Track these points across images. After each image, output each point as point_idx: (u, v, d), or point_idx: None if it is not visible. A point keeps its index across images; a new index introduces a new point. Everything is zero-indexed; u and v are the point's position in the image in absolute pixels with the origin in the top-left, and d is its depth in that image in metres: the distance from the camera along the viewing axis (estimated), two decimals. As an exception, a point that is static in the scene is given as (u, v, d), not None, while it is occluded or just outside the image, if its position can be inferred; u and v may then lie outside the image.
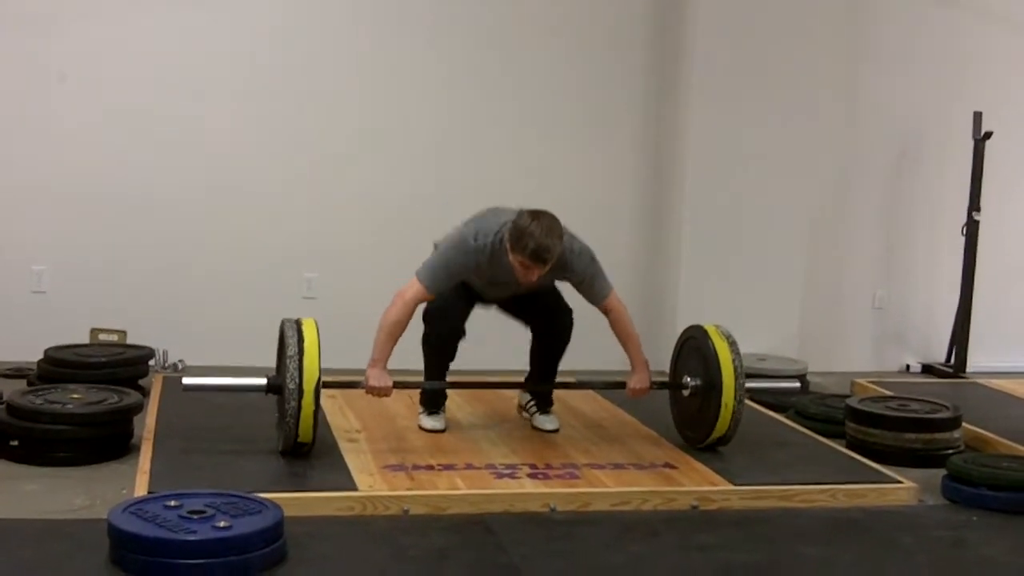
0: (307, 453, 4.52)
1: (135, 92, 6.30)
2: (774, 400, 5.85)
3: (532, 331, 5.17)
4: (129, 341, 6.07)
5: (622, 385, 4.97)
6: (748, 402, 5.78)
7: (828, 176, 7.06)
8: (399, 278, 4.85)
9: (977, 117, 6.87)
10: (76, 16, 6.21)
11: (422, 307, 4.87)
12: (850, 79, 7.05)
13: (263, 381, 4.59)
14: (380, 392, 4.69)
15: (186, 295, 6.41)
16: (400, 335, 4.73)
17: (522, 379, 5.28)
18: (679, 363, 5.09)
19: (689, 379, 4.94)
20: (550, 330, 5.11)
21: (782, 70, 6.75)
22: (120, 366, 5.60)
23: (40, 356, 5.65)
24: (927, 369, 7.22)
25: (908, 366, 7.30)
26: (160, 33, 6.31)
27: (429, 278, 4.73)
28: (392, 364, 4.71)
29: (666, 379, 5.13)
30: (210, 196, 6.42)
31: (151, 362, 5.88)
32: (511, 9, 6.71)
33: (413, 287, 4.72)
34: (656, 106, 6.87)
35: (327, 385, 4.57)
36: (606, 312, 4.93)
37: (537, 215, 4.62)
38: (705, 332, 4.91)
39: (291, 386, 4.38)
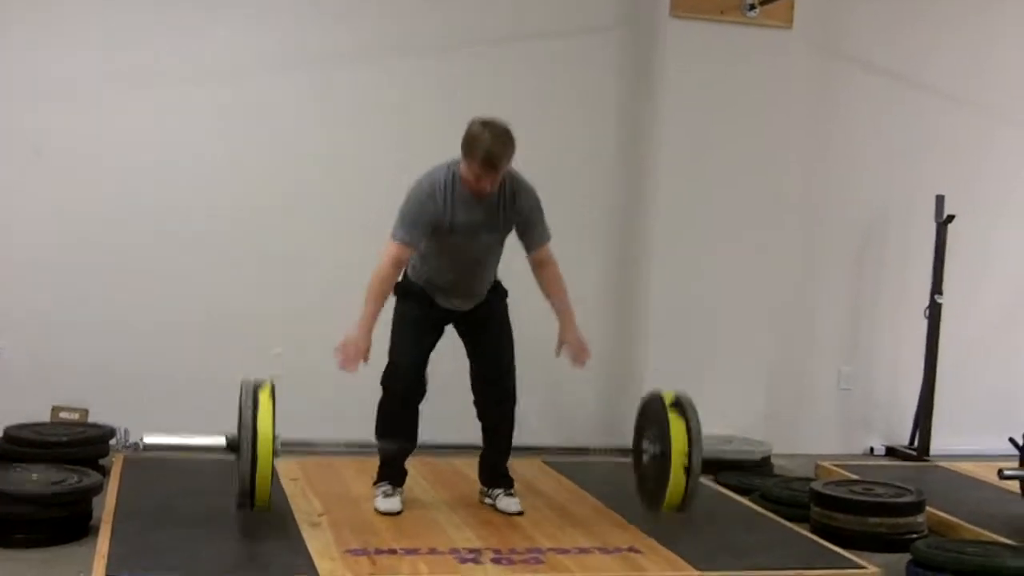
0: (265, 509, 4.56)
1: (101, 170, 6.29)
2: (738, 483, 5.85)
3: (477, 385, 5.07)
4: (91, 420, 6.01)
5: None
6: (711, 483, 5.82)
7: (794, 257, 7.11)
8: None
9: (939, 201, 6.95)
10: (49, 91, 6.22)
11: (379, 372, 4.93)
12: (816, 160, 7.13)
13: (222, 439, 4.60)
14: (350, 350, 4.69)
15: (149, 374, 6.33)
16: (387, 294, 4.84)
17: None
18: (639, 429, 5.04)
19: (648, 444, 4.92)
20: (497, 378, 5.03)
21: (748, 151, 6.80)
22: (80, 445, 5.55)
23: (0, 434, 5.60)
24: (891, 451, 7.23)
25: (872, 448, 7.31)
26: (130, 113, 6.32)
27: (401, 230, 4.76)
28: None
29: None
30: (175, 275, 6.39)
31: (112, 441, 5.82)
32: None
33: (389, 246, 4.77)
34: (623, 185, 6.91)
35: (286, 445, 4.57)
36: (541, 262, 4.93)
37: (488, 122, 4.66)
38: (660, 400, 4.83)
39: (245, 445, 4.42)
